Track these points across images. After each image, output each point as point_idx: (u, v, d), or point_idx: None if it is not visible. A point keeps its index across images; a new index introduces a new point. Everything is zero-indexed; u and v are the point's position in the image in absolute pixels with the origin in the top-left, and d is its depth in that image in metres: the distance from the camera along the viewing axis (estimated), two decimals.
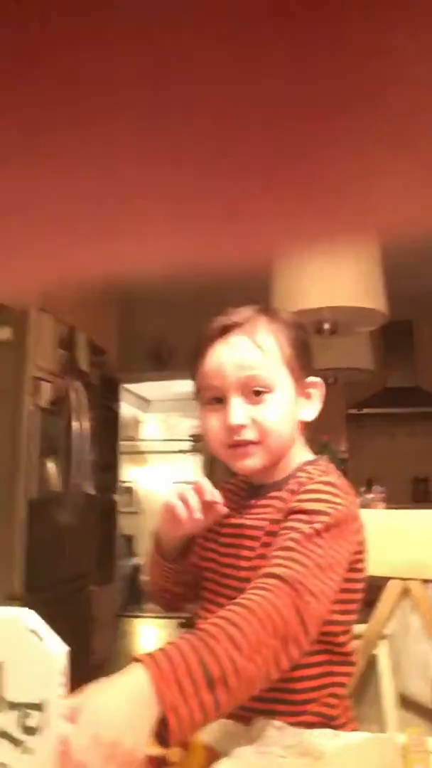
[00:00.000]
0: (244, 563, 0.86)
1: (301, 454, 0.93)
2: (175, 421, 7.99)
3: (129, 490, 7.99)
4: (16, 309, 2.62)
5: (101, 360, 3.31)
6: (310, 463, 0.91)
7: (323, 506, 0.81)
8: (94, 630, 2.98)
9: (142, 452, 8.03)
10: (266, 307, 0.94)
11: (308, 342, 0.93)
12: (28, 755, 0.42)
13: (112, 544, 3.73)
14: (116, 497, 3.85)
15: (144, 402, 7.36)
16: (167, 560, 0.93)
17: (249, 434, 0.85)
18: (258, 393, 0.86)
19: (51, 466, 2.66)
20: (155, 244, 0.15)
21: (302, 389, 0.91)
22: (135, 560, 6.99)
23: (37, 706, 0.43)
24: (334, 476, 0.88)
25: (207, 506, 0.86)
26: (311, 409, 0.92)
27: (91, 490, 3.00)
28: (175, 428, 7.97)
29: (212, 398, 0.88)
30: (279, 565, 0.74)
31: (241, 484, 0.99)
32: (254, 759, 0.61)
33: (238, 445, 0.86)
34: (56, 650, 0.44)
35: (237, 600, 0.71)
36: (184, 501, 0.86)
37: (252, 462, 0.87)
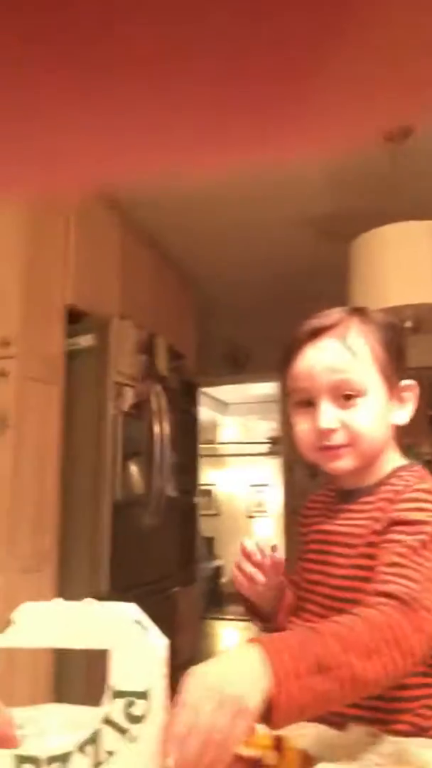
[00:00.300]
0: (335, 570, 0.85)
1: (393, 458, 0.91)
2: (253, 423, 7.98)
3: (208, 493, 8.06)
4: (98, 317, 2.71)
5: (180, 364, 3.36)
6: (404, 468, 0.90)
7: (425, 516, 0.79)
8: (177, 631, 3.02)
9: (221, 455, 8.08)
10: (358, 308, 0.93)
11: (402, 344, 0.92)
12: (133, 743, 0.44)
13: (193, 546, 3.77)
14: (196, 500, 3.90)
15: (222, 405, 7.40)
16: (266, 621, 0.94)
17: (339, 438, 0.85)
18: (349, 397, 0.85)
19: (134, 469, 2.73)
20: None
21: (395, 392, 0.89)
22: (216, 562, 7.04)
23: (142, 695, 0.45)
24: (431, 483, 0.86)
25: (265, 565, 0.87)
26: (404, 412, 0.91)
27: (173, 493, 3.04)
28: (253, 431, 7.97)
29: (302, 400, 0.88)
30: (389, 581, 0.73)
31: (330, 492, 0.98)
32: (350, 766, 0.61)
33: (329, 449, 0.86)
34: (159, 642, 0.46)
35: (350, 613, 0.71)
36: (241, 570, 0.88)
37: (343, 464, 0.86)
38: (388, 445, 0.91)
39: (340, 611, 0.75)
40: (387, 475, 0.89)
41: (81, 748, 0.45)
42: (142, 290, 3.38)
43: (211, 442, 7.77)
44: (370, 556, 0.81)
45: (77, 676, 2.37)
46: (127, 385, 2.71)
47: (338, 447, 0.85)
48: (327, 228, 3.38)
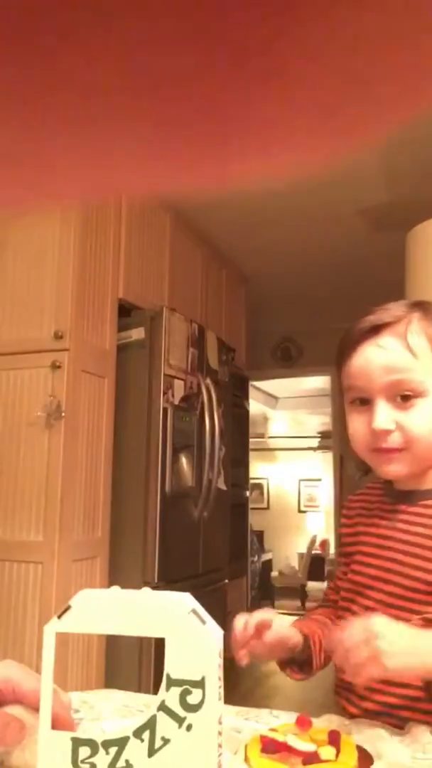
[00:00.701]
0: (396, 578, 0.83)
1: None
2: (304, 418, 7.92)
3: (259, 487, 8.06)
4: (149, 310, 2.73)
5: (230, 358, 3.36)
6: None
7: None
8: (227, 623, 3.02)
9: (271, 449, 8.05)
10: (420, 303, 0.88)
11: None
12: (189, 732, 0.44)
13: (243, 540, 3.77)
14: (246, 493, 3.89)
15: (272, 399, 7.37)
16: (304, 672, 0.91)
17: (394, 440, 0.82)
18: (407, 398, 0.82)
19: (184, 462, 2.74)
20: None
21: None
22: (265, 556, 7.03)
23: (198, 684, 0.45)
24: None
25: (256, 634, 0.83)
26: None
27: (223, 486, 3.05)
28: (303, 425, 7.91)
29: (358, 399, 0.85)
30: None
31: (377, 490, 0.95)
32: (410, 763, 0.59)
33: (383, 451, 0.83)
34: (215, 632, 0.46)
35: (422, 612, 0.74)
36: (237, 645, 0.85)
37: (396, 468, 0.84)
38: None
39: (410, 611, 0.77)
40: None
41: (137, 734, 0.46)
42: (192, 284, 3.39)
43: (262, 436, 7.76)
44: None
45: (128, 662, 2.41)
46: (177, 378, 2.72)
47: (393, 450, 0.82)
48: (382, 218, 3.31)
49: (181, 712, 0.44)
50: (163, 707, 0.45)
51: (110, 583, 2.46)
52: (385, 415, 0.81)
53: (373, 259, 3.60)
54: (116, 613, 0.48)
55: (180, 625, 0.46)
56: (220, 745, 0.44)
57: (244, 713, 0.77)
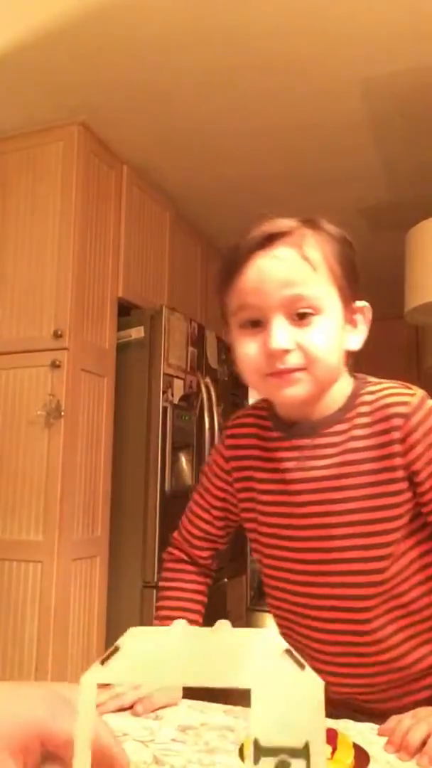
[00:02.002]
0: (340, 519, 0.76)
1: (346, 386, 0.81)
2: None
3: None
4: (148, 309, 2.72)
5: (230, 357, 3.36)
6: (361, 387, 0.81)
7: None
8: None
9: None
10: (309, 218, 0.80)
11: (355, 261, 0.80)
12: None
13: (243, 538, 3.77)
14: None
15: None
16: None
17: (294, 360, 0.74)
18: (304, 315, 0.74)
19: (183, 461, 2.74)
20: None
21: (350, 314, 0.79)
22: None
23: (300, 753, 0.32)
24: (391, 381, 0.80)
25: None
26: (358, 337, 0.81)
27: None
28: None
29: (249, 320, 0.77)
30: None
31: (264, 427, 0.87)
32: (410, 764, 0.59)
33: (281, 373, 0.75)
34: (317, 680, 0.33)
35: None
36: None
37: (297, 390, 0.75)
38: (341, 372, 0.81)
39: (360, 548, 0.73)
40: (349, 400, 0.80)
41: None
42: (192, 283, 3.39)
43: None
44: (390, 483, 0.75)
45: None
46: (177, 377, 2.72)
47: (292, 371, 0.74)
48: (382, 218, 3.30)
49: None
50: None
51: (110, 583, 2.46)
52: (282, 333, 0.73)
53: (373, 259, 3.59)
54: (180, 656, 0.36)
55: (270, 671, 0.33)
56: None
57: (231, 712, 0.77)
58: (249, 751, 0.32)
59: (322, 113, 2.45)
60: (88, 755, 0.34)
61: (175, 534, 1.00)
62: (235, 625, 0.37)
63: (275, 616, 0.90)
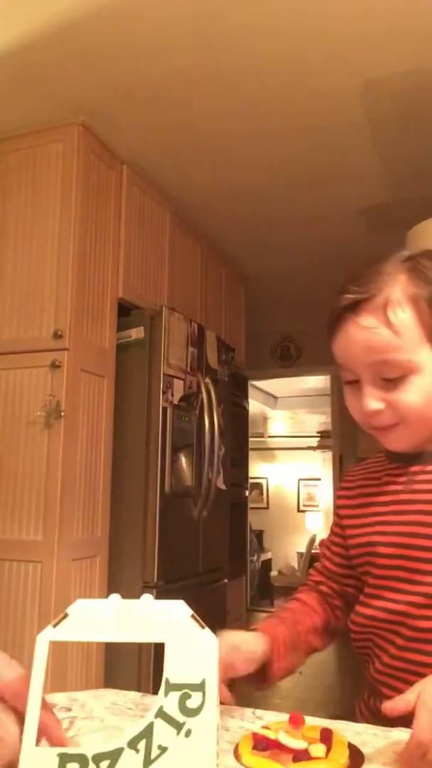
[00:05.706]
0: (422, 542, 0.78)
1: None
2: (303, 417, 7.91)
3: (258, 486, 8.06)
4: (148, 310, 2.72)
5: (230, 357, 3.36)
6: None
7: None
8: (226, 623, 3.03)
9: (271, 449, 8.04)
10: (412, 257, 0.81)
11: None
12: (188, 738, 0.44)
13: (243, 539, 3.77)
14: (246, 493, 3.89)
15: (272, 398, 7.37)
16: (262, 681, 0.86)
17: (385, 419, 0.78)
18: (391, 378, 0.77)
19: (183, 462, 2.74)
20: None
21: None
22: (264, 555, 7.03)
23: (198, 687, 0.45)
24: None
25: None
26: None
27: (222, 486, 3.05)
28: (303, 425, 7.90)
29: (347, 379, 0.82)
30: None
31: (379, 459, 0.91)
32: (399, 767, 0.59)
33: (378, 429, 0.81)
34: (212, 636, 0.47)
35: None
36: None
37: (398, 443, 0.81)
38: None
39: None
40: None
41: (132, 744, 0.45)
42: (192, 283, 3.39)
43: (261, 435, 7.75)
44: None
45: (128, 664, 2.41)
46: (177, 377, 2.72)
47: (387, 428, 0.79)
48: (382, 217, 3.30)
49: (180, 717, 0.44)
50: (161, 713, 0.45)
51: (110, 583, 2.46)
52: (371, 395, 0.78)
53: (374, 258, 3.59)
54: (114, 620, 0.49)
55: (179, 630, 0.47)
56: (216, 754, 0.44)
57: (226, 711, 0.77)
58: (161, 687, 0.46)
59: (322, 114, 2.45)
60: (38, 703, 0.46)
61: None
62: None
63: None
